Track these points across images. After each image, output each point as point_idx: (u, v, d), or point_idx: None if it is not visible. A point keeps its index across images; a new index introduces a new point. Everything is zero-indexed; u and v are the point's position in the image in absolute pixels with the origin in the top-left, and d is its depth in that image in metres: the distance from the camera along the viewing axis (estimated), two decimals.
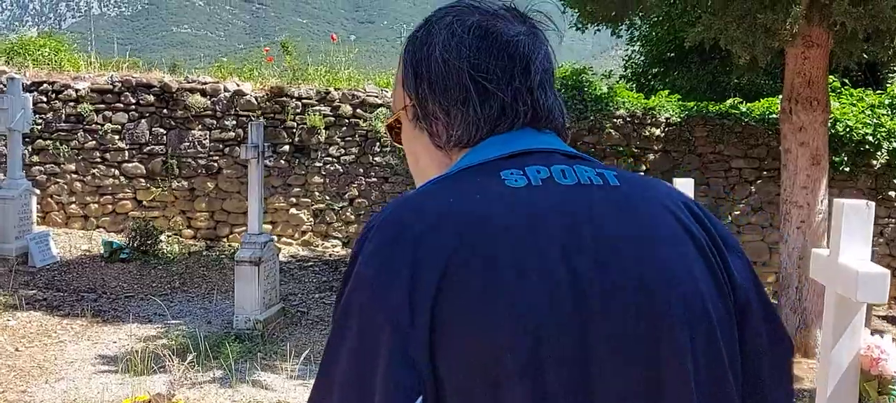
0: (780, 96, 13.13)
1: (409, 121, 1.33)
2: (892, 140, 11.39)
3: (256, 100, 12.11)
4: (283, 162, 12.09)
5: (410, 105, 1.31)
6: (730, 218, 11.78)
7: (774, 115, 12.15)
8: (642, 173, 10.76)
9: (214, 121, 12.14)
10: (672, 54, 16.37)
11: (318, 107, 12.13)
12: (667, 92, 13.26)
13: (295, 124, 12.10)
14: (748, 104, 13.03)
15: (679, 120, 12.12)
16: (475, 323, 1.02)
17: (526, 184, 1.14)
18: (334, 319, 1.11)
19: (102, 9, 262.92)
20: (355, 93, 12.30)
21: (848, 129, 11.27)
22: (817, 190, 8.74)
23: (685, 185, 4.84)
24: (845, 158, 11.30)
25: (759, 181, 12.03)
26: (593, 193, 1.16)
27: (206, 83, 12.25)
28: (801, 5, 7.50)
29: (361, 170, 12.24)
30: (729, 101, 13.24)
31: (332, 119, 12.17)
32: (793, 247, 8.80)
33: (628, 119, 12.08)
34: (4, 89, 10.70)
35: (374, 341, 1.03)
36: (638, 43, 17.99)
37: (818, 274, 3.65)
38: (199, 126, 12.12)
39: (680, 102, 12.62)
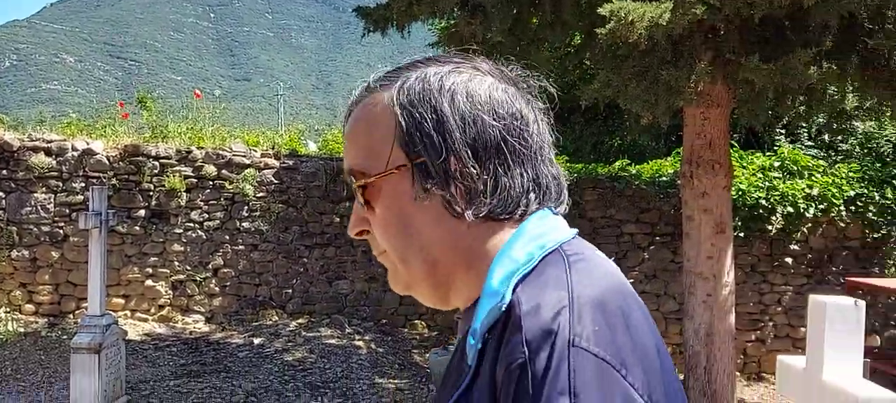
0: (669, 158, 12.85)
1: (409, 185, 1.13)
2: (786, 204, 10.96)
3: (108, 159, 10.85)
4: (138, 228, 10.82)
5: (411, 164, 1.13)
6: None
7: (664, 178, 11.72)
8: None
9: (60, 184, 10.80)
10: (553, 113, 15.85)
11: (178, 168, 10.94)
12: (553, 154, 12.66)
13: (152, 186, 10.86)
14: (637, 166, 12.57)
15: (568, 183, 11.46)
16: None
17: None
18: None
19: None
20: (221, 151, 11.17)
21: (740, 193, 10.79)
22: (723, 260, 8.11)
23: None
24: (739, 223, 10.70)
25: (651, 247, 11.48)
26: None
27: (51, 141, 10.91)
28: (704, 61, 6.89)
29: (227, 237, 11.09)
30: (618, 163, 12.75)
31: (195, 180, 11.00)
32: (699, 324, 8.12)
33: None
34: None
35: None
36: None
37: (791, 389, 2.83)
38: (43, 189, 10.77)
39: (568, 164, 12.05)
